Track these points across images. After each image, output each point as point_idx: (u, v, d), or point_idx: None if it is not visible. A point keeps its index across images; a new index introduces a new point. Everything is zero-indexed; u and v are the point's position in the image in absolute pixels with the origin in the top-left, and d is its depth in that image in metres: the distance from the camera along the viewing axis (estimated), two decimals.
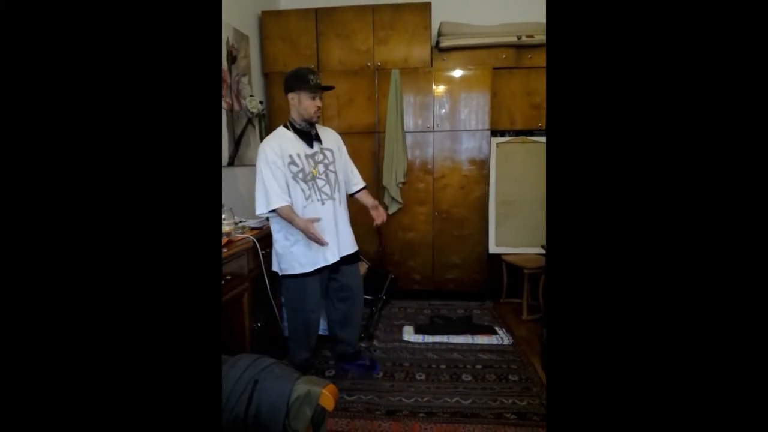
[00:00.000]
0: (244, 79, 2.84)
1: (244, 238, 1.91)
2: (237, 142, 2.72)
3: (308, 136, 1.92)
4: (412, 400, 1.95)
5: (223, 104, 2.56)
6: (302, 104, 1.86)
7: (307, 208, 1.89)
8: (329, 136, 2.02)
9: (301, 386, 1.16)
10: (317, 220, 1.88)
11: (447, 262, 3.21)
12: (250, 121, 2.89)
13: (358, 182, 2.12)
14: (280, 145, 1.86)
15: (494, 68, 3.04)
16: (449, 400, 1.94)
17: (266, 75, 3.19)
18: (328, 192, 1.93)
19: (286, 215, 1.85)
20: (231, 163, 2.64)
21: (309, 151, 1.91)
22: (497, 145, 3.20)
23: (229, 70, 2.63)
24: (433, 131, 3.11)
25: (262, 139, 3.06)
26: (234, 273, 1.80)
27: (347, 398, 1.97)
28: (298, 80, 1.85)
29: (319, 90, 1.86)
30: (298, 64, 3.10)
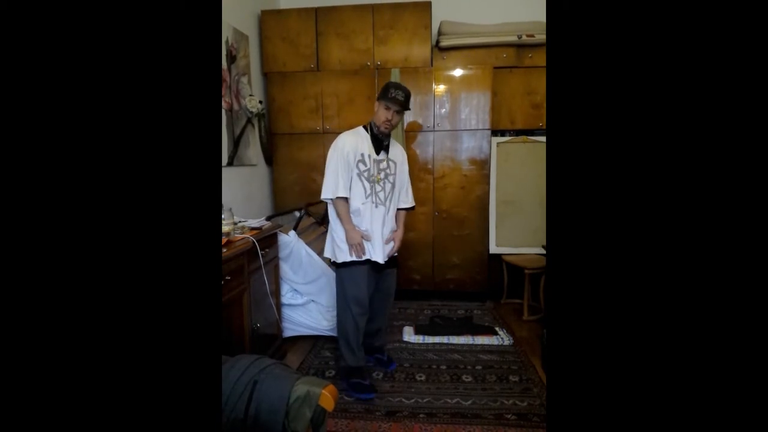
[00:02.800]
0: (244, 79, 2.83)
1: (243, 238, 1.90)
2: (236, 142, 2.71)
3: (380, 143, 2.02)
4: (412, 400, 1.94)
5: (223, 104, 2.55)
6: (378, 112, 1.97)
7: (364, 205, 1.99)
8: (397, 151, 2.11)
9: (301, 387, 1.15)
10: (368, 238, 1.99)
11: (447, 262, 3.20)
12: (249, 121, 2.88)
13: (407, 201, 2.17)
14: (356, 141, 1.98)
15: (495, 67, 3.03)
16: (449, 400, 1.94)
17: (266, 75, 3.18)
18: (382, 198, 2.02)
19: (341, 211, 1.97)
20: (230, 163, 2.63)
21: (376, 156, 2.00)
22: (498, 144, 3.19)
23: (229, 69, 2.63)
24: (434, 131, 3.11)
25: (261, 139, 3.06)
26: (233, 273, 1.79)
27: (347, 399, 1.96)
28: (383, 91, 1.96)
29: (394, 103, 1.91)
30: (297, 63, 3.11)
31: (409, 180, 2.18)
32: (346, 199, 1.96)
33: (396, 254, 2.16)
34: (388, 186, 2.04)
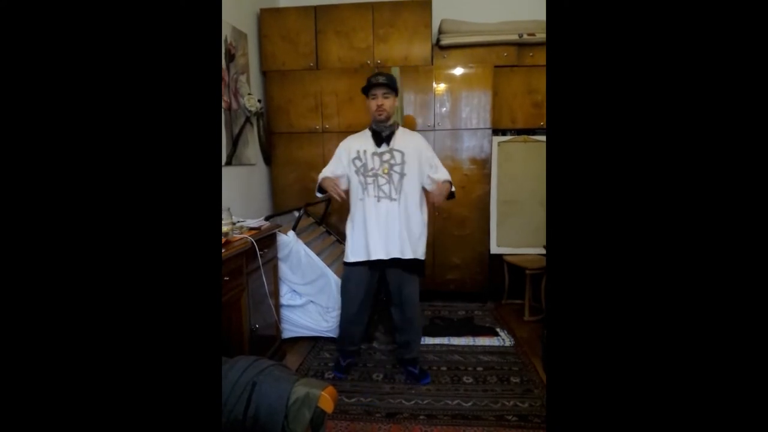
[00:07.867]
0: (243, 78, 2.81)
1: (242, 239, 1.88)
2: (235, 142, 2.69)
3: (379, 136, 2.02)
4: (413, 402, 1.92)
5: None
6: (369, 106, 2.02)
7: (362, 201, 2.02)
8: (406, 140, 2.04)
9: (300, 388, 1.14)
10: (340, 185, 2.01)
11: (448, 262, 3.18)
12: (248, 120, 2.86)
13: (430, 183, 2.03)
14: (353, 141, 2.08)
15: (495, 66, 3.02)
16: (450, 402, 1.92)
17: (265, 73, 3.16)
18: (387, 191, 1.99)
19: (320, 181, 2.06)
20: (229, 163, 2.61)
21: (377, 149, 2.01)
22: (498, 144, 3.18)
23: (227, 68, 2.61)
24: (434, 130, 3.09)
25: (260, 138, 3.04)
26: (232, 273, 1.77)
27: (347, 401, 1.94)
28: (365, 86, 2.01)
29: (376, 88, 1.95)
30: (297, 62, 3.09)
31: (433, 162, 2.06)
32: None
33: (411, 258, 2.00)
34: (396, 177, 1.99)
